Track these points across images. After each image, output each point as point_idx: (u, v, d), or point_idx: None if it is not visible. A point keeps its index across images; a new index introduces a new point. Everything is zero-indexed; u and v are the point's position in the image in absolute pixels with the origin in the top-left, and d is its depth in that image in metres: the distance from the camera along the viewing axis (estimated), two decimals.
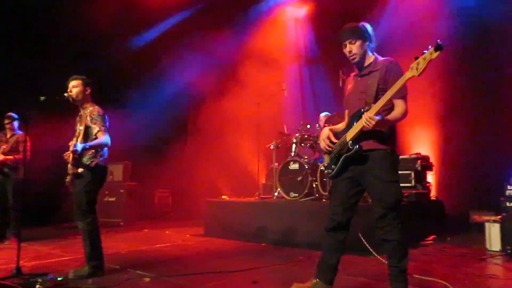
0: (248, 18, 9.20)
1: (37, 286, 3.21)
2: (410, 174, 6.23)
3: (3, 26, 7.70)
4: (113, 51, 8.59)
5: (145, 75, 9.07)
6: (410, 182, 6.19)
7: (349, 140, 2.72)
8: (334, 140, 2.88)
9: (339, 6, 7.61)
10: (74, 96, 3.82)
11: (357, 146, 2.68)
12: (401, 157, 6.46)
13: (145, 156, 8.93)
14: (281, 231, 5.51)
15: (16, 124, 5.94)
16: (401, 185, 5.95)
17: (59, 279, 3.39)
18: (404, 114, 2.67)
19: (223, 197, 7.14)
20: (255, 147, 7.28)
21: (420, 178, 6.30)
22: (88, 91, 3.92)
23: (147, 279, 3.57)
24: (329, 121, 6.29)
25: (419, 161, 6.32)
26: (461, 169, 6.77)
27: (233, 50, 9.06)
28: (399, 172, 6.10)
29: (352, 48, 2.79)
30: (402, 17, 7.16)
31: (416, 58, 2.42)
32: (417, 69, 2.39)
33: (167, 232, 6.99)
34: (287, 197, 5.99)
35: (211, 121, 9.40)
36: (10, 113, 5.91)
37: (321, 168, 5.58)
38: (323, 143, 2.94)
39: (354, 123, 2.71)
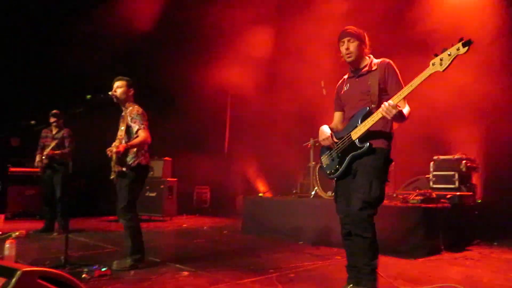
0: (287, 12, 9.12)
1: (83, 275, 3.38)
2: (454, 175, 6.01)
3: (49, 25, 8.12)
4: (153, 49, 8.83)
5: (185, 72, 9.24)
6: (454, 184, 5.98)
7: (356, 139, 2.72)
8: (335, 140, 2.88)
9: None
10: (118, 96, 3.98)
11: (368, 144, 2.68)
12: (444, 157, 6.25)
13: (185, 152, 9.13)
14: (318, 230, 5.47)
15: (61, 121, 6.21)
16: (444, 186, 5.90)
17: (103, 269, 3.54)
18: (409, 114, 2.69)
19: (260, 194, 7.18)
20: (293, 145, 7.26)
21: (465, 179, 6.06)
22: (131, 92, 4.07)
23: (186, 273, 3.66)
24: None
25: (463, 162, 6.09)
26: (508, 170, 6.45)
27: (273, 46, 9.04)
28: (442, 173, 6.00)
29: (350, 46, 2.84)
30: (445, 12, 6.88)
31: (436, 55, 2.39)
32: (440, 64, 2.35)
33: (205, 228, 7.12)
34: (324, 196, 5.94)
35: (250, 119, 9.47)
36: (56, 111, 6.21)
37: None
38: (326, 141, 2.92)
39: (359, 122, 2.71)
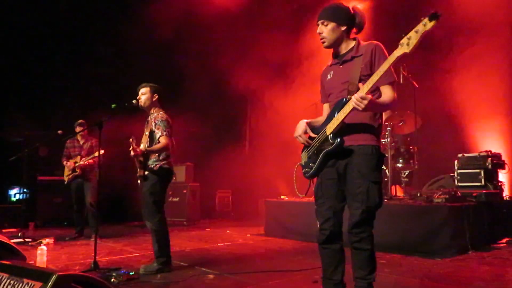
0: (303, 16, 9.13)
1: (112, 279, 3.46)
2: (480, 172, 5.88)
3: (77, 38, 8.35)
4: (176, 57, 8.96)
5: (206, 79, 9.34)
6: (480, 182, 5.84)
7: (330, 134, 2.40)
8: (312, 135, 2.54)
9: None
10: (142, 103, 4.08)
11: (338, 139, 2.36)
12: (469, 155, 6.13)
13: (206, 157, 9.22)
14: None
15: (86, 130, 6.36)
16: (469, 184, 5.78)
17: (131, 273, 3.62)
18: (393, 102, 2.37)
19: (283, 197, 7.17)
20: None
21: (491, 177, 5.92)
22: (156, 97, 4.15)
23: (211, 276, 3.70)
24: (388, 120, 6.12)
25: (489, 159, 5.95)
26: None
27: (290, 50, 9.05)
28: (467, 171, 5.88)
29: (323, 30, 2.48)
30: None
31: (406, 35, 2.09)
32: (408, 44, 2.06)
33: (228, 231, 7.17)
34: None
35: (270, 122, 9.49)
36: (82, 120, 6.37)
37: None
38: (300, 139, 2.59)
39: (336, 115, 2.38)
